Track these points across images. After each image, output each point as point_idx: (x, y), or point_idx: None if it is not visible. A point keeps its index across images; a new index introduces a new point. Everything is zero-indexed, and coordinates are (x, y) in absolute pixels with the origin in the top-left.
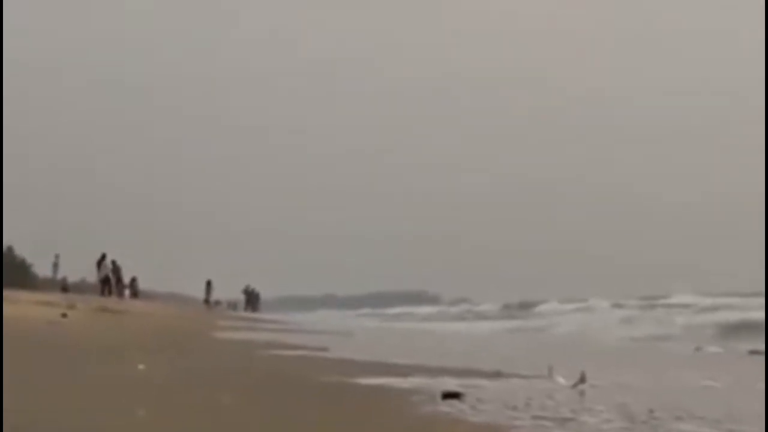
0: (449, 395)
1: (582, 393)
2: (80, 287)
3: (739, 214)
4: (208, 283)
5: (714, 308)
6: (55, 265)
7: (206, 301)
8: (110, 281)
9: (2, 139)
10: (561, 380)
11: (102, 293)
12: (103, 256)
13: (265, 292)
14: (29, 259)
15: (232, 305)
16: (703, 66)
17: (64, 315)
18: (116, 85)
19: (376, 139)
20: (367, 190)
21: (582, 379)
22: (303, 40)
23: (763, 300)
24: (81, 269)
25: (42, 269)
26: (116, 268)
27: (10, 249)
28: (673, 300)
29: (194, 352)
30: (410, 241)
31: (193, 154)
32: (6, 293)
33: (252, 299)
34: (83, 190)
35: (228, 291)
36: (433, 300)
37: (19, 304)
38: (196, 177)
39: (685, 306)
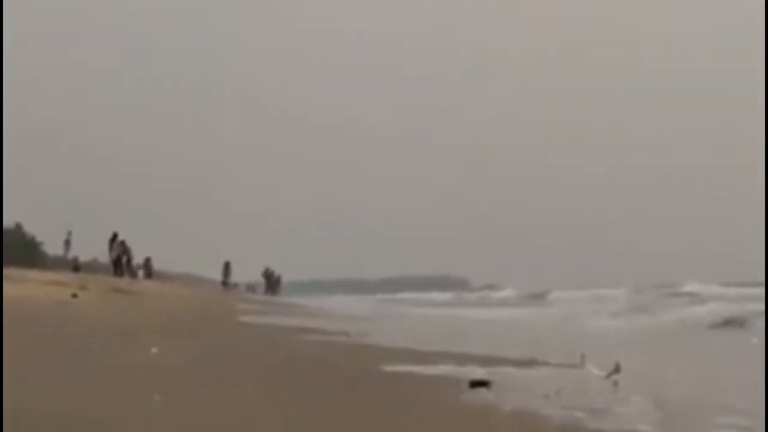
0: (477, 383)
1: (616, 383)
2: (92, 266)
3: None
4: (227, 265)
5: (741, 298)
6: (67, 243)
7: (224, 283)
8: (122, 261)
9: (2, 128)
10: (594, 370)
11: (114, 273)
12: (115, 236)
13: (283, 276)
14: (39, 237)
15: (251, 288)
16: None
17: (74, 295)
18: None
19: (409, 123)
20: (390, 174)
21: (616, 369)
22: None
23: None
24: (93, 248)
25: (53, 247)
26: (125, 249)
27: (18, 226)
28: (688, 288)
29: (214, 335)
30: (435, 224)
31: (214, 135)
32: (14, 272)
33: (272, 282)
34: (98, 169)
35: (246, 273)
36: (461, 285)
37: (28, 283)
38: (216, 158)
39: (713, 296)
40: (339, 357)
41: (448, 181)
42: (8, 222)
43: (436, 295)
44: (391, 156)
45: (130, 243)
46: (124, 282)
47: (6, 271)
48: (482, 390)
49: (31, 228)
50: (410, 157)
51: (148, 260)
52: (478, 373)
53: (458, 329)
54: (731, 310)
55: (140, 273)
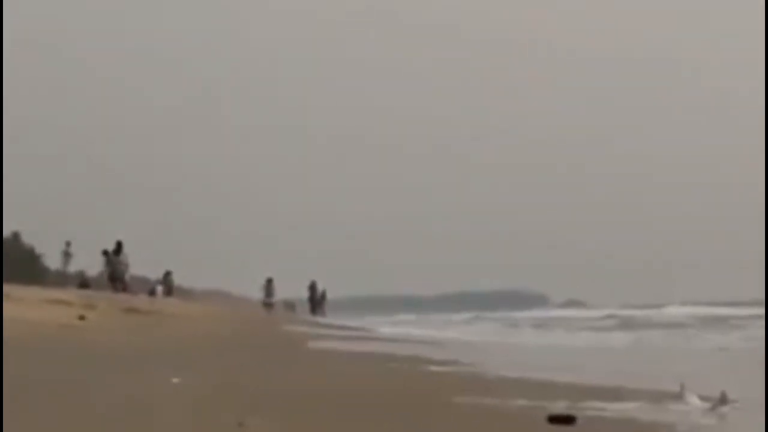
0: (558, 419)
1: (723, 417)
2: (100, 283)
3: None
4: (269, 282)
5: None
6: (66, 255)
7: (266, 303)
8: (122, 276)
9: (2, 134)
10: (696, 401)
11: (114, 289)
12: (119, 245)
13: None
14: (39, 249)
15: (290, 306)
16: None
17: (81, 317)
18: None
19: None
20: (453, 179)
21: (723, 400)
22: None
23: None
24: (101, 261)
25: (55, 260)
26: (119, 260)
27: (15, 235)
28: None
29: (286, 364)
30: (505, 234)
31: (253, 141)
32: (8, 289)
33: (319, 299)
34: (107, 175)
35: (281, 289)
36: (539, 301)
37: (25, 302)
38: (247, 162)
39: None
40: (444, 389)
41: (509, 182)
42: (4, 231)
43: (523, 313)
44: (440, 161)
45: (144, 255)
46: (141, 300)
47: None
48: (564, 429)
49: (29, 238)
50: (461, 161)
51: (168, 274)
52: (558, 406)
53: (542, 353)
54: None
55: (159, 289)
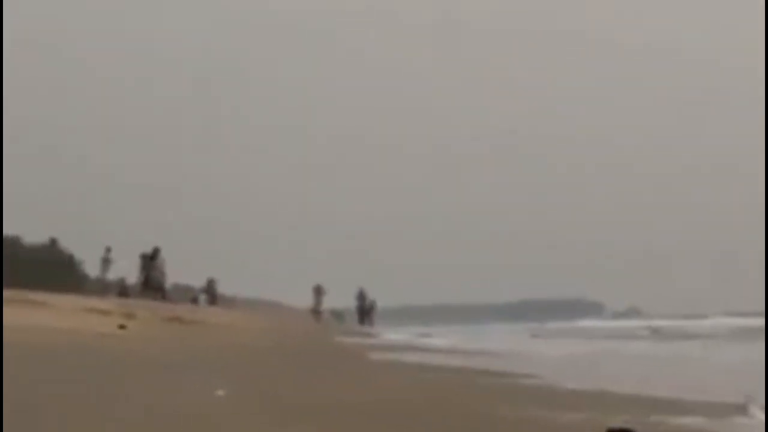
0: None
1: None
2: (136, 290)
3: None
4: (318, 289)
5: None
6: (106, 261)
7: (315, 311)
8: (160, 283)
9: (2, 138)
10: (760, 414)
11: (147, 296)
12: (156, 251)
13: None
14: (78, 255)
15: (338, 315)
16: None
17: (121, 326)
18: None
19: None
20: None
21: None
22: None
23: None
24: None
25: (95, 267)
26: (154, 265)
27: (53, 241)
28: None
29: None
30: (556, 241)
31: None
32: (47, 297)
33: (368, 310)
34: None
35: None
36: (595, 310)
37: (63, 311)
38: (289, 171)
39: None
40: (517, 401)
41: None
42: (42, 237)
43: (580, 323)
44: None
45: (187, 262)
46: (184, 309)
47: (37, 296)
48: None
49: (68, 243)
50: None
51: (211, 282)
52: (617, 418)
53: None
54: None
55: (202, 298)
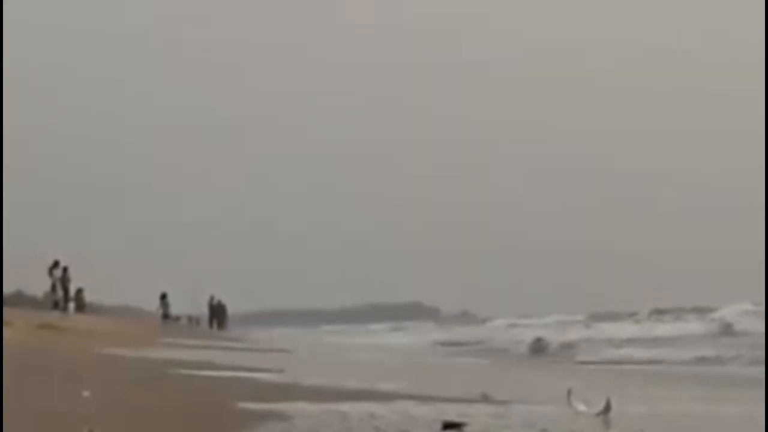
0: (450, 425)
1: (607, 423)
2: (14, 300)
3: None
4: (163, 297)
5: None
6: None
7: (165, 315)
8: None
9: (2, 142)
10: (582, 407)
11: (54, 306)
12: (56, 264)
13: (234, 307)
14: None
15: (195, 320)
16: None
17: None
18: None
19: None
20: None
21: (607, 407)
22: None
23: None
24: (15, 278)
25: None
26: (66, 278)
27: None
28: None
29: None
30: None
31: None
32: None
33: (217, 313)
34: (24, 186)
35: (180, 305)
36: (431, 314)
37: None
38: (159, 171)
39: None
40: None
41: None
42: None
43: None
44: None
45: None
46: (55, 317)
47: None
48: None
49: None
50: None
51: (79, 291)
52: (449, 412)
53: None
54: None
55: (71, 306)
